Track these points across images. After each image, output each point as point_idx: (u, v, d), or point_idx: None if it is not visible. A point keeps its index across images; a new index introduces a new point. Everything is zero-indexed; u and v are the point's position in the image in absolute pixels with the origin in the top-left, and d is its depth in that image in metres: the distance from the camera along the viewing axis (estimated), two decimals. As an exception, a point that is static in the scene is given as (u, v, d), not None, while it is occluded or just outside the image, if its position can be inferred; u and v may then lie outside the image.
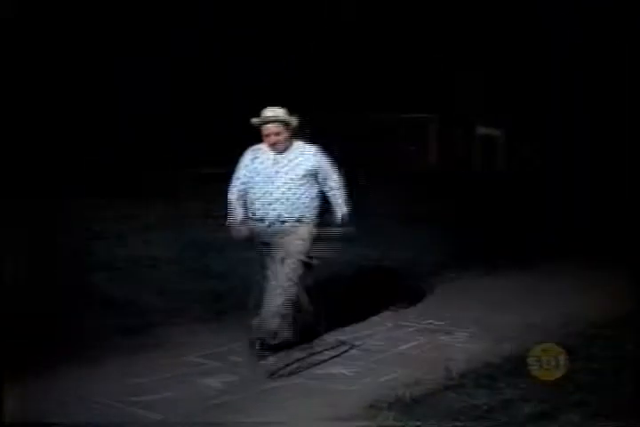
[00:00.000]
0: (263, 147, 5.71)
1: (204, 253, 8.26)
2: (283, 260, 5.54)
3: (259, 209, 5.63)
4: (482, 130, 17.05)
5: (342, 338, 5.91)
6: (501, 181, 13.27)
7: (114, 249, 8.39)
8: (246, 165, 5.72)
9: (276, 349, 5.46)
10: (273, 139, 5.64)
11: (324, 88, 16.25)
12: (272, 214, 5.60)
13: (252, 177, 5.67)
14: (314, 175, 5.69)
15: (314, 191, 5.71)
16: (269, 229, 5.62)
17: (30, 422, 4.31)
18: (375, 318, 6.58)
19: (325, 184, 5.75)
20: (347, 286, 7.51)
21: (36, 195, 10.27)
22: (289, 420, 4.44)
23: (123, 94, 13.42)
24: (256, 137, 5.71)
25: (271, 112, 5.69)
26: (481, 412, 4.48)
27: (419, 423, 4.30)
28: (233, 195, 5.75)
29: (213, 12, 14.60)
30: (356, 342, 5.85)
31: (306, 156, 5.70)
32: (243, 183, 5.70)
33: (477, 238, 9.46)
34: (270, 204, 5.60)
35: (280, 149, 5.66)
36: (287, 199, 5.60)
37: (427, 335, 6.12)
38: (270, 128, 5.64)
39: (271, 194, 5.60)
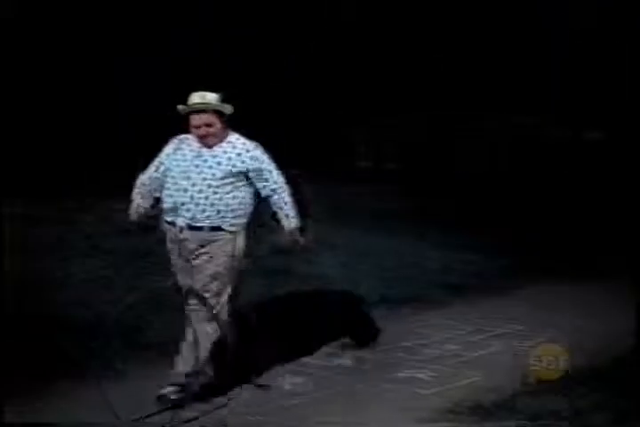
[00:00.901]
0: (192, 137, 4.82)
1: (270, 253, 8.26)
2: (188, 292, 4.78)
3: (170, 209, 4.76)
4: (587, 133, 16.72)
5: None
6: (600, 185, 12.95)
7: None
8: (167, 155, 4.84)
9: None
10: (203, 130, 4.73)
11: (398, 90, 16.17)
12: (185, 216, 4.71)
13: (169, 169, 4.79)
14: (245, 175, 4.77)
15: (243, 194, 4.79)
16: (181, 235, 4.74)
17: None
18: (452, 323, 6.55)
19: (265, 186, 4.83)
20: (421, 288, 7.52)
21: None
22: (367, 423, 4.45)
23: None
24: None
25: (200, 98, 4.75)
26: (560, 418, 4.43)
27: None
28: (138, 181, 4.91)
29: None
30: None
31: (238, 151, 4.77)
32: (156, 173, 4.84)
33: (559, 243, 9.30)
34: (183, 204, 4.69)
35: (212, 142, 4.77)
36: (205, 200, 4.68)
37: (505, 340, 6.06)
38: (200, 118, 4.72)
39: (185, 191, 4.69)
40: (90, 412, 4.43)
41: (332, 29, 16.02)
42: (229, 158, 4.74)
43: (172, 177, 4.77)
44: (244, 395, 4.77)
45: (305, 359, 5.50)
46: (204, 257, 4.72)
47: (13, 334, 5.03)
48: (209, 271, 4.72)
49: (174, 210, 4.74)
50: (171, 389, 4.66)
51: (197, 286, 4.72)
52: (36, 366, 4.84)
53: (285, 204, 4.88)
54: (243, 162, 4.75)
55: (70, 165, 11.17)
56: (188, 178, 4.70)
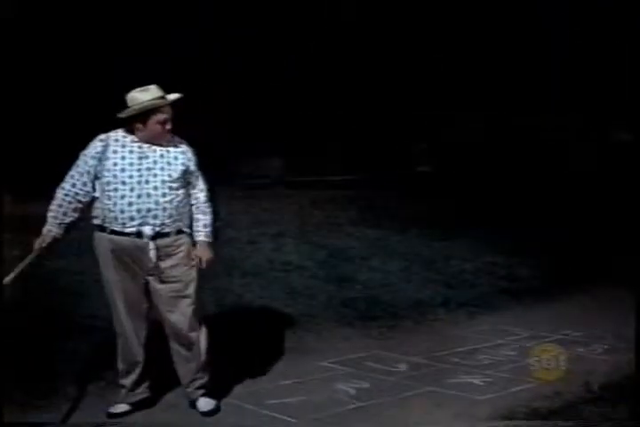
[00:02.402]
0: (118, 136, 4.46)
1: (332, 259, 8.29)
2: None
3: (130, 218, 4.33)
4: (616, 134, 16.50)
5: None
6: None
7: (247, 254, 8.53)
8: (95, 158, 4.39)
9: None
10: (168, 127, 4.44)
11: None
12: (153, 224, 4.35)
13: (109, 173, 4.36)
14: (185, 177, 4.50)
15: (186, 198, 4.53)
16: (134, 244, 4.36)
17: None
18: (508, 328, 6.48)
19: (194, 190, 4.56)
20: (476, 293, 7.47)
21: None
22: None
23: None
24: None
25: (156, 92, 4.44)
26: (619, 426, 4.35)
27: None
28: (62, 191, 4.41)
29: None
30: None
31: (182, 149, 4.51)
32: (85, 182, 4.40)
33: (616, 247, 9.14)
34: (149, 210, 4.33)
35: (168, 140, 4.48)
36: (170, 204, 4.39)
37: (562, 347, 5.96)
38: (167, 113, 4.42)
39: (149, 196, 4.34)
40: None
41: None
42: (176, 158, 4.48)
43: (123, 182, 4.34)
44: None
45: (366, 364, 5.49)
46: (167, 272, 4.42)
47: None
48: (178, 292, 4.47)
49: (136, 218, 4.33)
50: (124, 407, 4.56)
51: (175, 312, 4.45)
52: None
53: (205, 213, 4.59)
54: (189, 160, 4.51)
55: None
56: (147, 182, 4.36)
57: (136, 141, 4.44)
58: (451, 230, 9.66)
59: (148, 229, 4.35)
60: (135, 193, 4.34)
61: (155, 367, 4.61)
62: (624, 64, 14.86)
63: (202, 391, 4.60)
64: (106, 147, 4.41)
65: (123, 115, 4.40)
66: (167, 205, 4.38)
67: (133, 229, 4.34)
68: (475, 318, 6.84)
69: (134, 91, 4.44)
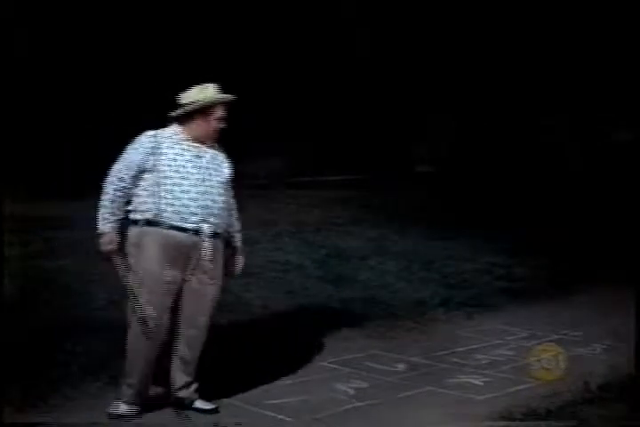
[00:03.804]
0: (169, 133, 4.46)
1: (331, 259, 8.31)
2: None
3: (185, 211, 4.30)
4: (616, 134, 16.50)
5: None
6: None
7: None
8: (148, 153, 4.35)
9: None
10: (223, 125, 4.52)
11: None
12: (212, 222, 4.36)
13: (169, 168, 4.34)
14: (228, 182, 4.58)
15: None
16: (191, 240, 4.33)
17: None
18: (507, 328, 6.49)
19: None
20: (475, 293, 7.47)
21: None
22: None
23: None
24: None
25: (217, 89, 4.51)
26: (618, 426, 4.36)
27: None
28: (112, 186, 4.32)
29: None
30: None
31: (224, 156, 4.60)
32: (134, 176, 4.33)
33: (618, 247, 9.15)
34: (208, 207, 4.35)
35: (215, 140, 4.57)
36: (220, 204, 4.43)
37: (561, 346, 5.97)
38: (223, 110, 4.50)
39: (209, 194, 4.38)
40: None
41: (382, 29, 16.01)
42: (222, 162, 4.55)
43: (185, 178, 4.34)
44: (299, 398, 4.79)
45: (365, 363, 5.49)
46: (210, 274, 4.42)
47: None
48: (212, 295, 4.47)
49: (198, 215, 4.33)
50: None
51: (199, 314, 4.43)
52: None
53: (238, 220, 4.70)
54: (230, 168, 4.59)
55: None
56: (206, 180, 4.39)
57: (186, 140, 4.46)
58: (450, 230, 9.68)
59: (206, 227, 4.35)
60: (198, 189, 4.35)
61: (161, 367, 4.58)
62: (624, 64, 14.89)
63: (197, 395, 4.57)
64: (158, 142, 4.39)
65: (189, 108, 4.43)
66: (222, 206, 4.44)
67: (194, 226, 4.32)
68: (474, 317, 6.85)
69: (194, 88, 4.49)
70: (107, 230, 4.30)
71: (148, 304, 4.31)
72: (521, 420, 4.44)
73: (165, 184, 4.32)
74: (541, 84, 16.10)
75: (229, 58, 14.12)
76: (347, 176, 14.58)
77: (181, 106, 4.47)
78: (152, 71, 13.33)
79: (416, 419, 4.54)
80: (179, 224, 4.30)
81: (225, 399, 4.73)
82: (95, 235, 4.34)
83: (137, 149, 4.39)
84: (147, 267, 4.30)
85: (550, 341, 6.06)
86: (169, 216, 4.30)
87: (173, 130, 4.48)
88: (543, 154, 16.13)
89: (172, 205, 4.30)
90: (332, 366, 5.49)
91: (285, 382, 5.12)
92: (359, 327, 6.35)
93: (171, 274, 4.31)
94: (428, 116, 16.58)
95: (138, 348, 4.40)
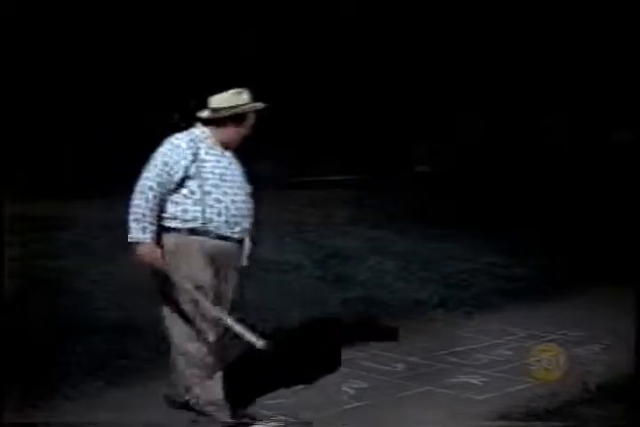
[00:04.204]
0: (201, 138, 4.27)
1: (330, 259, 8.32)
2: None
3: (232, 221, 4.23)
4: (616, 134, 16.52)
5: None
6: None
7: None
8: (188, 159, 4.16)
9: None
10: (249, 132, 4.43)
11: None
12: (245, 228, 4.31)
13: (214, 175, 4.21)
14: None
15: None
16: (235, 248, 4.31)
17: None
18: (506, 328, 6.50)
19: None
20: (474, 293, 7.49)
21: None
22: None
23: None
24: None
25: (250, 95, 4.38)
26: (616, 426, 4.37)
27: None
28: (152, 193, 4.09)
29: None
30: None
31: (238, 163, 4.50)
32: (173, 181, 4.13)
33: (617, 247, 9.16)
34: (244, 216, 4.29)
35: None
36: (252, 212, 4.39)
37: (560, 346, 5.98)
38: (254, 117, 4.42)
39: (246, 203, 4.32)
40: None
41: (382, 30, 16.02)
42: (240, 167, 4.44)
43: (230, 186, 4.23)
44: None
45: (364, 364, 5.50)
46: (231, 279, 4.38)
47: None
48: (231, 296, 4.42)
49: (241, 224, 4.28)
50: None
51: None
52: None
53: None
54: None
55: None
56: (240, 188, 4.31)
57: (215, 145, 4.30)
58: (449, 230, 9.69)
59: (245, 235, 4.33)
60: (241, 198, 4.28)
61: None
62: (624, 64, 14.90)
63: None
64: (197, 148, 4.21)
65: (225, 113, 4.28)
66: (251, 213, 4.38)
67: (239, 235, 4.27)
68: (473, 317, 6.86)
69: (230, 92, 4.32)
70: (148, 240, 4.09)
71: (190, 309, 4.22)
72: (520, 420, 4.45)
73: (212, 193, 4.17)
74: (542, 85, 16.12)
75: (229, 58, 14.14)
76: (346, 176, 14.60)
77: (215, 110, 4.31)
78: (152, 71, 13.35)
79: (415, 419, 4.54)
80: (226, 234, 4.22)
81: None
82: (133, 244, 4.12)
83: (179, 153, 4.16)
84: (190, 275, 4.16)
85: (549, 341, 6.08)
86: (217, 226, 4.18)
87: (204, 133, 4.31)
88: (543, 154, 16.15)
89: (221, 214, 4.19)
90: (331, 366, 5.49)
91: (284, 382, 5.12)
92: (358, 327, 6.36)
93: (214, 282, 4.24)
94: (428, 116, 16.60)
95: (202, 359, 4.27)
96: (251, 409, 4.54)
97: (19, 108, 11.70)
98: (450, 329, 6.47)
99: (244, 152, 4.49)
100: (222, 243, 4.22)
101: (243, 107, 4.31)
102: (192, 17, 14.22)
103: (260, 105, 4.38)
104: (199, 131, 4.32)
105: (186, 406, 4.30)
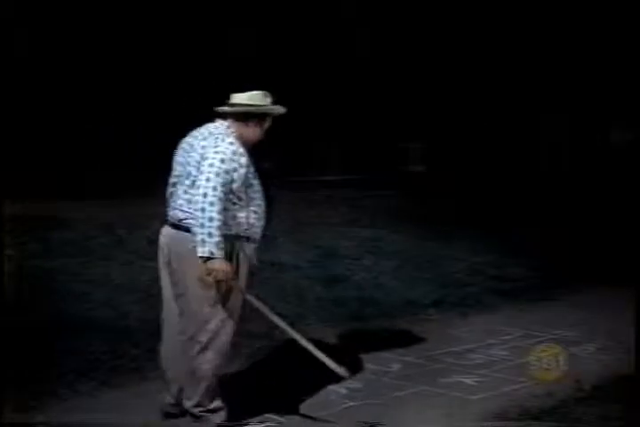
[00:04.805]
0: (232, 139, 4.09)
1: (325, 259, 8.32)
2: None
3: (261, 226, 4.18)
4: (615, 135, 16.55)
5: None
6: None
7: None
8: (237, 162, 4.01)
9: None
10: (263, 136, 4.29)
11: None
12: (260, 230, 4.20)
13: (256, 181, 4.14)
14: None
15: None
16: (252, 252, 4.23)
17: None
18: (500, 328, 6.52)
19: None
20: (470, 293, 7.50)
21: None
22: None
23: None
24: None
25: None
26: (611, 425, 4.38)
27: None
28: (220, 205, 3.88)
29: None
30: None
31: None
32: (239, 186, 4.00)
33: (614, 248, 9.18)
34: (263, 217, 4.20)
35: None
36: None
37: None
38: (271, 121, 4.28)
39: (268, 206, 4.24)
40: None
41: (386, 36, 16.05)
42: None
43: (257, 191, 4.14)
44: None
45: (359, 363, 5.50)
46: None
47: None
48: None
49: (257, 224, 4.18)
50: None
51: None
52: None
53: None
54: None
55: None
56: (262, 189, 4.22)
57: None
58: (444, 230, 9.69)
59: (258, 235, 4.22)
60: (261, 200, 4.19)
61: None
62: (623, 64, 14.92)
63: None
64: (241, 152, 4.05)
65: (258, 110, 4.15)
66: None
67: (252, 235, 4.17)
68: (467, 317, 6.87)
69: (257, 92, 4.19)
70: (221, 255, 3.93)
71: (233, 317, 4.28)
72: (515, 419, 4.46)
73: (254, 198, 4.11)
74: (541, 84, 16.13)
75: (229, 58, 14.14)
76: (341, 176, 14.60)
77: (243, 106, 4.13)
78: (152, 72, 13.34)
79: (410, 419, 4.55)
80: (258, 238, 4.19)
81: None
82: (206, 259, 3.92)
83: (234, 160, 3.99)
84: (243, 280, 4.17)
85: (544, 340, 6.08)
86: (256, 231, 4.16)
87: (229, 129, 4.13)
88: (541, 154, 16.17)
89: (260, 219, 4.16)
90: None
91: (281, 382, 5.12)
92: (352, 327, 6.37)
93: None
94: (424, 115, 16.61)
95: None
96: (246, 410, 4.54)
97: (19, 109, 11.70)
98: (445, 329, 6.48)
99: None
100: (254, 247, 4.18)
101: (274, 110, 4.21)
102: (192, 17, 14.23)
103: (284, 109, 4.27)
104: (228, 130, 4.13)
105: (181, 413, 4.27)
